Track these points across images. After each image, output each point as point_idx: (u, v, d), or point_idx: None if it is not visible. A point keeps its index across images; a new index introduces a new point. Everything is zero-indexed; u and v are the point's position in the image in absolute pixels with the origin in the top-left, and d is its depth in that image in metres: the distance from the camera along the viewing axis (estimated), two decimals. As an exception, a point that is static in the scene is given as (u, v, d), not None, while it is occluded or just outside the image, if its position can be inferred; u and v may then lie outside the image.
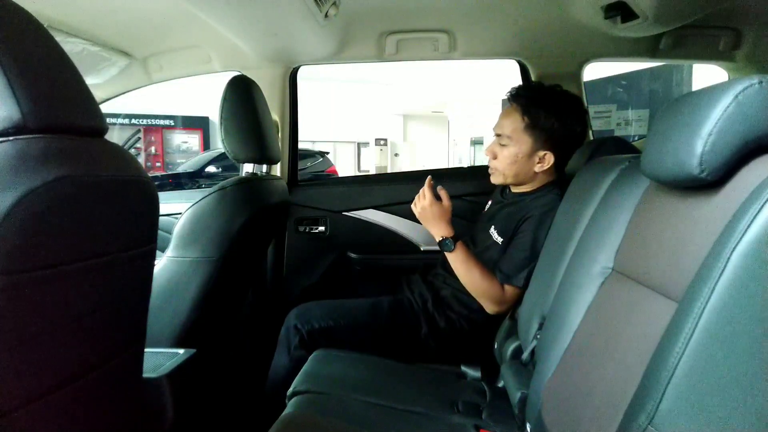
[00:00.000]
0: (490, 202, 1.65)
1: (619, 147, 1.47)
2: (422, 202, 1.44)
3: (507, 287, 1.41)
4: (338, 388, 1.23)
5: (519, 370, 1.19)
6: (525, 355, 1.15)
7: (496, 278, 1.41)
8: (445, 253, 1.44)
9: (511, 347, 1.29)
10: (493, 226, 1.51)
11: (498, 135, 1.45)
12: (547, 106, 1.39)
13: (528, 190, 1.49)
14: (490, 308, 1.43)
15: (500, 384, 1.31)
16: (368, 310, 1.51)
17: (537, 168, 1.43)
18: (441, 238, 1.43)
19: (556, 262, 1.12)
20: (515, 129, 1.41)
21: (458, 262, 1.42)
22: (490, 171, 1.50)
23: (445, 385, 1.33)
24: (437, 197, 1.46)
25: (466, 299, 1.49)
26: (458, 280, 1.46)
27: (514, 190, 1.53)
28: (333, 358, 1.37)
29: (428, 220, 1.45)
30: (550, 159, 1.42)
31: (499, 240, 1.47)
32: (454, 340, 1.51)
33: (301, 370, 1.31)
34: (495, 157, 1.46)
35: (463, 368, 1.41)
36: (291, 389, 1.22)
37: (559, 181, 1.47)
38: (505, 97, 1.48)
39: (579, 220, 1.08)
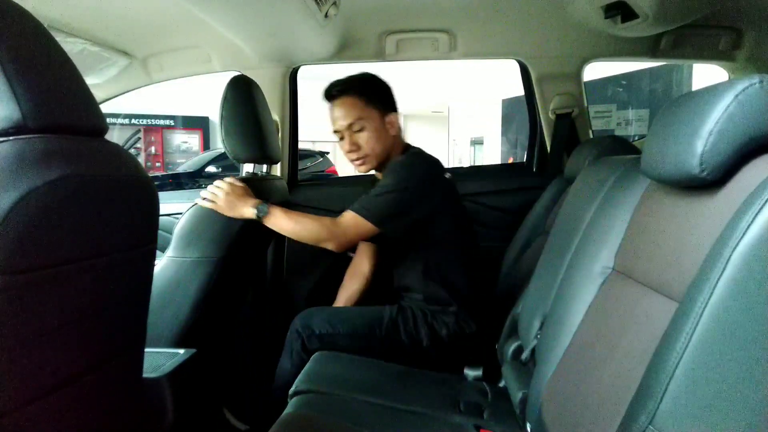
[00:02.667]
0: None
1: (616, 147, 1.47)
2: (221, 189, 1.38)
3: (345, 214, 1.41)
4: (339, 388, 1.23)
5: (519, 370, 1.19)
6: (525, 355, 1.15)
7: (321, 217, 1.44)
8: (264, 220, 1.38)
9: (512, 347, 1.29)
10: None
11: (349, 126, 1.48)
12: (354, 81, 1.51)
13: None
14: (332, 246, 1.42)
15: (501, 384, 1.31)
16: (368, 320, 1.48)
17: (392, 133, 1.52)
18: (255, 209, 1.37)
19: (557, 261, 1.12)
20: (361, 108, 1.48)
21: (280, 219, 1.39)
22: (357, 164, 1.53)
23: (447, 386, 1.33)
24: None
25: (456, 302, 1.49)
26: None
27: (378, 175, 1.57)
28: (334, 360, 1.37)
29: (236, 203, 1.37)
30: (394, 119, 1.52)
31: None
32: (457, 346, 1.50)
33: (303, 370, 1.31)
34: (358, 147, 1.49)
35: (466, 370, 1.41)
36: (293, 389, 1.22)
37: (407, 144, 1.57)
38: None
39: (580, 219, 1.08)
